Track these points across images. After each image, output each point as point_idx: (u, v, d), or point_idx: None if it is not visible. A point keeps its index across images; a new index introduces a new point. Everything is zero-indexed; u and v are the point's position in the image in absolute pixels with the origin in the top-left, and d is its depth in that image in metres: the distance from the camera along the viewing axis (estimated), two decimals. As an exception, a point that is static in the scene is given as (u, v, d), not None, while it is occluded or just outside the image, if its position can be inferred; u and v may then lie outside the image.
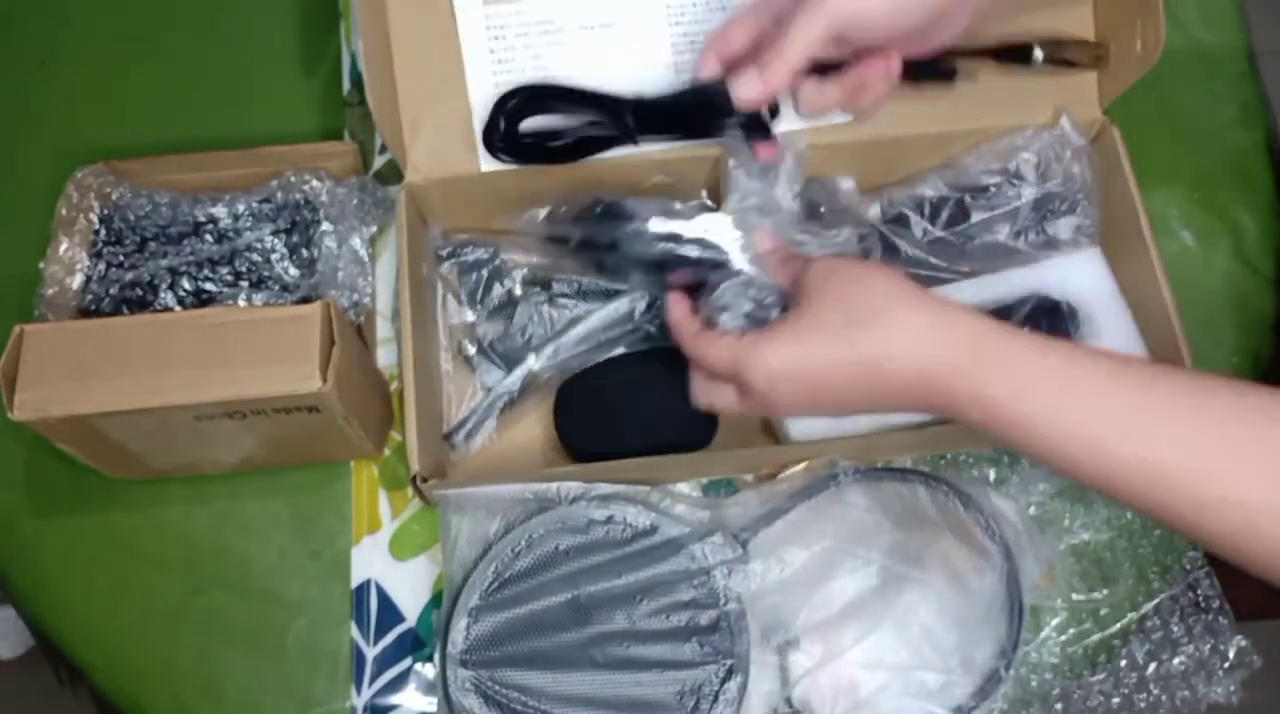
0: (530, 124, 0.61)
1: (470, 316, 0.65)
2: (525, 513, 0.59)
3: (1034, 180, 0.64)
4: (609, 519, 0.58)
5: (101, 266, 0.65)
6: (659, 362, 0.60)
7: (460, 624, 0.57)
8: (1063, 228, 0.65)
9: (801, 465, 0.61)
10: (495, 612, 0.57)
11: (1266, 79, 0.76)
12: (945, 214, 0.65)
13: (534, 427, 0.65)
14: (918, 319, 0.48)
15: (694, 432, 0.62)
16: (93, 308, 0.64)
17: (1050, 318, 0.61)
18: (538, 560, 0.58)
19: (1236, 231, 0.71)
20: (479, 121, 0.62)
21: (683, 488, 0.63)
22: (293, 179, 0.67)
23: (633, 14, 0.63)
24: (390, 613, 0.62)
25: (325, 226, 0.65)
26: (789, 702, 0.58)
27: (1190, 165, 0.73)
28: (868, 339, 0.48)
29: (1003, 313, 0.62)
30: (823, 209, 0.63)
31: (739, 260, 0.57)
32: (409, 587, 0.63)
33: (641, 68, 0.63)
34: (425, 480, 0.56)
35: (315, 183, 0.66)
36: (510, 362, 0.64)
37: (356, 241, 0.65)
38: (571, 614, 0.57)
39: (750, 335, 0.51)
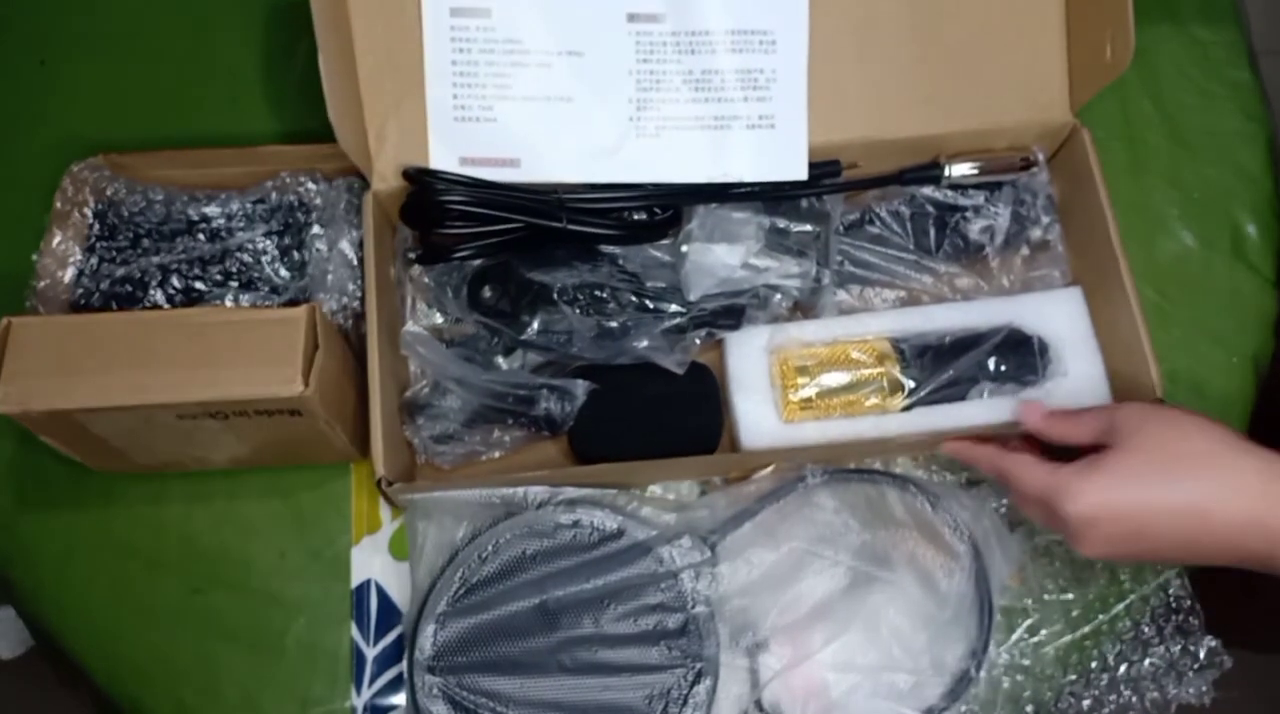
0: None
1: (439, 320, 0.65)
2: (492, 518, 0.59)
3: (1008, 199, 0.65)
4: (575, 523, 0.59)
5: (94, 261, 0.65)
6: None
7: (427, 630, 0.57)
8: (1034, 233, 0.65)
9: (769, 468, 0.61)
10: (462, 617, 0.57)
11: (1266, 79, 0.76)
12: (921, 228, 0.65)
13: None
14: (1250, 464, 0.48)
15: (702, 442, 0.62)
16: (83, 302, 0.64)
17: (1019, 350, 0.61)
18: (504, 566, 0.58)
19: (1236, 231, 0.71)
20: (432, 135, 0.62)
21: (654, 490, 0.63)
22: (287, 180, 0.66)
23: (601, 46, 0.62)
24: (390, 613, 0.62)
25: (316, 229, 0.65)
26: (759, 704, 0.58)
27: (1190, 165, 0.72)
28: (1195, 485, 0.48)
29: (974, 340, 0.62)
30: (789, 226, 0.63)
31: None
32: (409, 587, 0.62)
33: (603, 100, 0.63)
34: (391, 484, 0.56)
35: (310, 185, 0.66)
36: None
37: (345, 244, 0.65)
38: (539, 619, 0.57)
39: (1065, 470, 0.51)
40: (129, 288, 0.64)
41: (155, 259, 0.64)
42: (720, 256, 0.61)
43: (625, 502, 0.60)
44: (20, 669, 1.09)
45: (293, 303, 0.63)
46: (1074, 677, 0.60)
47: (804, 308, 0.65)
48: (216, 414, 0.55)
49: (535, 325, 0.60)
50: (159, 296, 0.64)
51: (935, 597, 0.59)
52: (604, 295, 0.61)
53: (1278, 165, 0.73)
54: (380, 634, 0.62)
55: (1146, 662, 0.60)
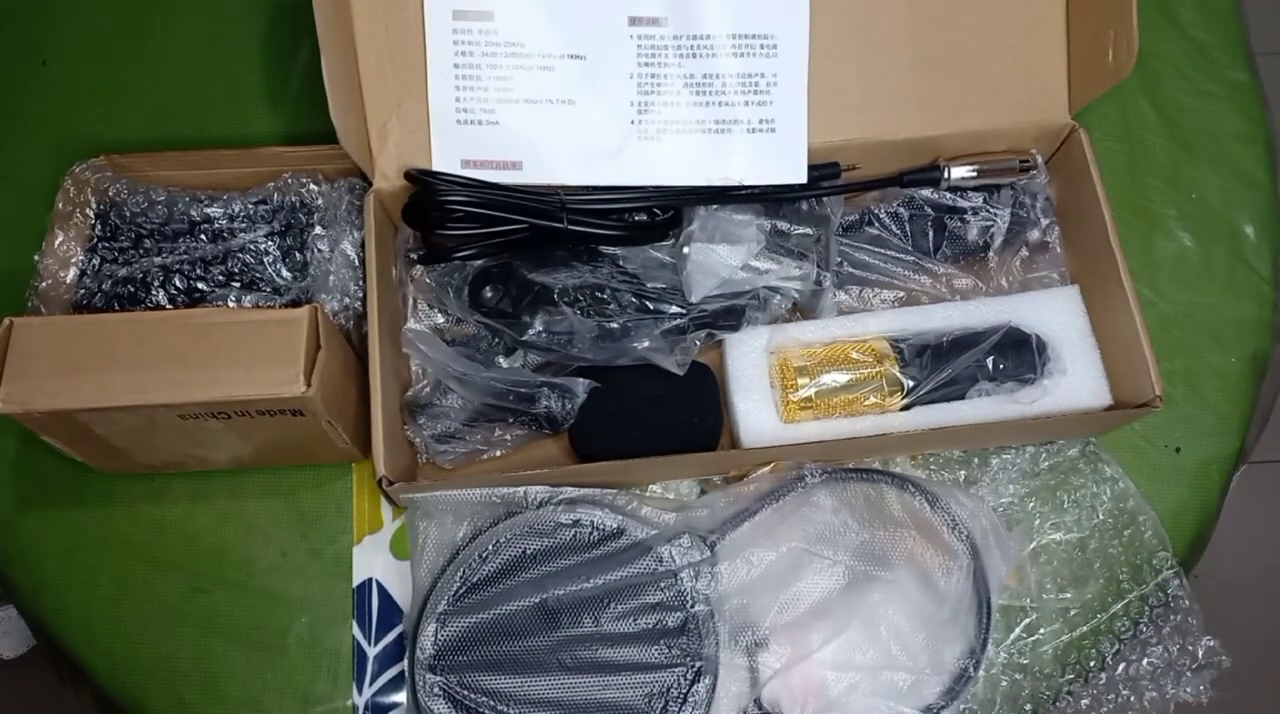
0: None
1: (440, 320, 0.65)
2: (492, 518, 0.59)
3: (1007, 201, 0.65)
4: (575, 522, 0.59)
5: (96, 261, 0.65)
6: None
7: (428, 629, 0.57)
8: (1033, 235, 0.66)
9: (768, 467, 0.61)
10: (463, 617, 0.57)
11: (1266, 79, 0.76)
12: (920, 230, 0.66)
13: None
14: None
15: (702, 442, 0.62)
16: (85, 303, 0.64)
17: (1017, 349, 0.62)
18: (505, 565, 0.58)
19: (1235, 232, 0.71)
20: (435, 137, 0.62)
21: (653, 489, 0.63)
22: (289, 181, 0.67)
23: (603, 49, 0.62)
24: (391, 612, 0.62)
25: (318, 230, 0.65)
26: (758, 703, 0.58)
27: (1188, 166, 0.72)
28: None
29: (972, 339, 0.62)
30: (790, 229, 0.64)
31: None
32: (410, 586, 0.63)
33: (605, 103, 0.63)
34: (392, 484, 0.57)
35: (312, 186, 0.66)
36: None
37: (347, 245, 0.65)
38: (539, 618, 0.57)
39: None
40: (131, 288, 0.64)
41: (157, 260, 0.64)
42: (722, 258, 0.61)
43: (625, 501, 0.60)
44: (22, 668, 1.09)
45: (295, 303, 0.63)
46: (1072, 676, 0.61)
47: (804, 310, 0.65)
48: (219, 414, 0.56)
49: (536, 326, 0.60)
50: (161, 297, 0.64)
51: (934, 596, 0.59)
52: (605, 296, 0.61)
53: (1276, 166, 0.73)
54: (381, 633, 0.62)
55: (1145, 661, 0.60)
